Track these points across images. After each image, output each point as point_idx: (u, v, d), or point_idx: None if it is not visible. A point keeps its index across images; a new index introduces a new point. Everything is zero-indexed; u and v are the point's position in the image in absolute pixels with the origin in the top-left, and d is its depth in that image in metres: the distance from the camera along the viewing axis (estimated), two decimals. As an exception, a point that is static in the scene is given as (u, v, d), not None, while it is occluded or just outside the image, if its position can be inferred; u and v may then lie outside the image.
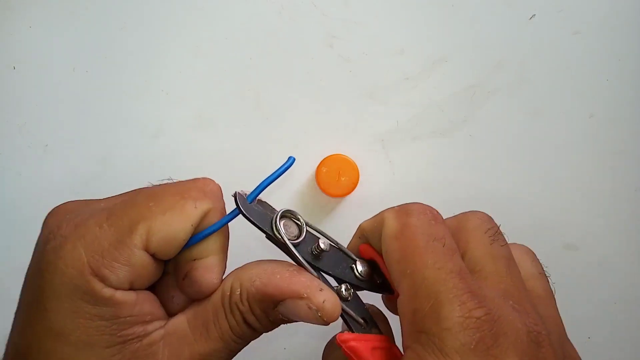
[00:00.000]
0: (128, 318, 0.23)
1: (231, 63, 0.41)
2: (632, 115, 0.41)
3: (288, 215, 0.26)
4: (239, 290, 0.24)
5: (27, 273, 0.25)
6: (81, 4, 0.40)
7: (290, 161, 0.26)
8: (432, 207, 0.26)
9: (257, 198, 0.26)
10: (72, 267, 0.22)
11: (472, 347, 0.20)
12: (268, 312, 0.24)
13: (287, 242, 0.25)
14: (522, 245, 0.28)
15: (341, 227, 0.40)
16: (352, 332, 0.25)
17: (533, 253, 0.28)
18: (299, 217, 0.26)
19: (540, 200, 0.41)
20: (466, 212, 0.27)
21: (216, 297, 0.25)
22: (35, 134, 0.40)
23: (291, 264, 0.25)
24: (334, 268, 0.26)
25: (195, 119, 0.40)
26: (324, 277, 0.26)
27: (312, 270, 0.25)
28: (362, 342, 0.24)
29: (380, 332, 0.26)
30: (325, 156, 0.39)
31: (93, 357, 0.22)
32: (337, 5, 0.41)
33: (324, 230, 0.27)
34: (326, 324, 0.24)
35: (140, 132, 0.40)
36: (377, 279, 0.27)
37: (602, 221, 0.41)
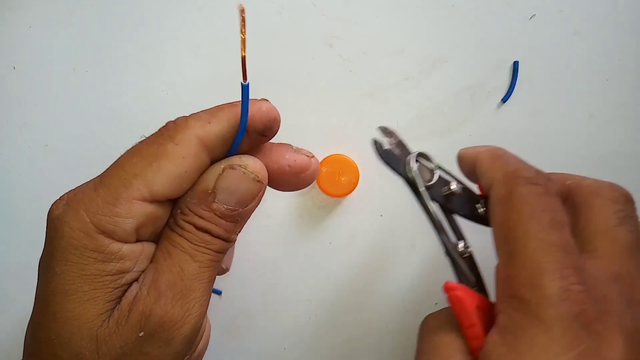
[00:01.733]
0: (129, 274, 0.24)
1: (231, 63, 0.41)
2: (632, 115, 0.41)
3: (422, 157, 0.27)
4: (178, 210, 0.25)
5: (40, 261, 0.26)
6: (81, 4, 0.40)
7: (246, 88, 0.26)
8: (546, 175, 0.25)
9: (398, 139, 0.28)
10: (77, 229, 0.23)
11: (573, 317, 0.20)
12: (211, 207, 0.24)
13: (419, 186, 0.26)
14: None
15: (341, 227, 0.40)
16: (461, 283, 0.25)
17: None
18: (432, 159, 0.27)
19: (540, 200, 0.41)
20: (602, 183, 0.26)
21: (165, 229, 0.25)
22: (35, 134, 0.40)
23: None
24: (463, 208, 0.28)
25: (195, 119, 0.40)
26: (452, 222, 0.27)
27: (435, 217, 0.26)
28: (468, 295, 0.24)
29: (487, 296, 0.26)
30: (325, 156, 0.39)
31: (93, 310, 0.23)
32: (337, 5, 0.41)
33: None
34: (260, 180, 0.25)
35: (141, 132, 0.40)
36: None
37: (602, 221, 0.41)
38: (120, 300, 0.24)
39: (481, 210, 0.27)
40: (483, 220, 0.28)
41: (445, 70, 0.41)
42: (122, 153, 0.26)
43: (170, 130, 0.26)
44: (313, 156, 0.27)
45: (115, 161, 0.26)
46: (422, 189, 0.26)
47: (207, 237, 0.25)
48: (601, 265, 0.23)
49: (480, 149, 0.28)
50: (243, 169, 0.25)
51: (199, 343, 0.30)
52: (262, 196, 0.26)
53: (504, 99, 0.41)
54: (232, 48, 0.41)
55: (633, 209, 0.25)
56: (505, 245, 0.23)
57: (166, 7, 0.40)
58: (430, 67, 0.41)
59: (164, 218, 0.26)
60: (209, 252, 0.25)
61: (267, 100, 0.26)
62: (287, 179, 0.27)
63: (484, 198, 0.28)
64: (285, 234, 0.40)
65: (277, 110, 0.26)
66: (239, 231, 0.26)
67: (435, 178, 0.27)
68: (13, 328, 0.39)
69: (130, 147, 0.27)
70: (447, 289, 0.24)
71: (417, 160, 0.27)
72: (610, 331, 0.20)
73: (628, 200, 0.26)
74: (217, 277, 0.28)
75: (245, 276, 0.40)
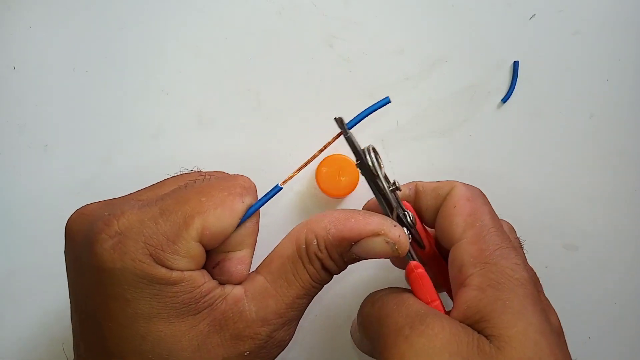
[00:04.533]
0: (205, 285, 0.25)
1: (231, 63, 0.41)
2: (632, 115, 0.41)
3: (373, 151, 0.28)
4: (315, 241, 0.26)
5: (75, 281, 0.26)
6: (81, 4, 0.40)
7: (386, 100, 0.28)
8: None
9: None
10: (140, 260, 0.24)
11: (532, 279, 0.26)
12: (344, 254, 0.27)
13: (379, 172, 0.27)
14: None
15: (341, 227, 0.40)
16: (415, 260, 0.28)
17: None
18: (380, 158, 0.28)
19: (540, 200, 0.41)
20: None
21: (290, 251, 0.27)
22: (35, 134, 0.40)
23: (358, 210, 0.28)
24: (396, 210, 0.29)
25: (195, 119, 0.40)
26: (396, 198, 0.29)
27: (393, 201, 0.28)
28: (426, 274, 0.28)
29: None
30: (325, 156, 0.39)
31: (185, 326, 0.24)
32: (337, 5, 0.41)
33: None
34: (400, 255, 0.27)
35: (140, 132, 0.40)
36: (415, 233, 0.30)
37: (602, 221, 0.41)
38: (217, 307, 0.25)
39: (410, 218, 0.29)
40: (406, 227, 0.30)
41: (445, 70, 0.41)
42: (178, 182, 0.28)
43: (243, 189, 0.27)
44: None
45: (178, 193, 0.26)
46: (382, 175, 0.27)
47: (326, 276, 0.27)
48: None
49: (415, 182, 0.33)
50: (395, 248, 0.26)
51: None
52: None
53: (504, 99, 0.41)
54: (232, 48, 0.41)
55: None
56: (474, 229, 0.28)
57: (166, 7, 0.41)
58: (430, 67, 0.41)
59: (204, 262, 0.27)
60: (320, 288, 0.28)
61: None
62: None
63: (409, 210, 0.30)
64: (285, 234, 0.40)
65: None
66: None
67: (384, 172, 0.28)
68: (13, 328, 0.39)
69: (185, 180, 0.27)
70: (414, 267, 0.28)
71: (371, 151, 0.28)
72: (547, 303, 0.30)
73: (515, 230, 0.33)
74: None
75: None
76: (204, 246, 0.25)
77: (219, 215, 0.25)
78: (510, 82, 0.41)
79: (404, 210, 0.29)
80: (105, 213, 0.25)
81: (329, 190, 0.38)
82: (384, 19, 0.41)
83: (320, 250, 0.26)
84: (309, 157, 0.28)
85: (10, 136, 0.40)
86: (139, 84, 0.40)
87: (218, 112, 0.40)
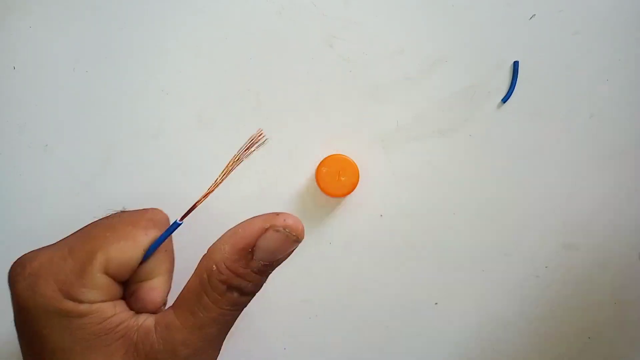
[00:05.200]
0: (115, 316, 0.26)
1: (231, 63, 0.41)
2: (632, 115, 0.41)
3: None
4: (214, 266, 0.26)
5: (14, 321, 0.28)
6: (81, 4, 0.40)
7: (175, 225, 0.28)
8: None
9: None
10: (49, 297, 0.25)
11: None
12: (250, 265, 0.26)
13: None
14: None
15: (341, 227, 0.40)
16: None
17: None
18: None
19: (541, 200, 0.41)
20: None
21: (194, 283, 0.26)
22: (35, 134, 0.40)
23: (249, 218, 0.27)
24: None
25: (195, 119, 0.40)
26: None
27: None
28: None
29: None
30: (325, 156, 0.39)
31: (100, 358, 0.25)
32: (337, 5, 0.41)
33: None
34: (299, 241, 0.27)
35: (140, 132, 0.40)
36: None
37: (602, 221, 0.41)
38: (131, 337, 0.26)
39: None
40: None
41: (445, 70, 0.41)
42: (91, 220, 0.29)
43: (149, 222, 0.28)
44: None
45: (89, 229, 0.28)
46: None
47: (234, 297, 0.26)
48: None
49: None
50: (287, 232, 0.26)
51: None
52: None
53: (504, 99, 0.41)
54: (232, 48, 0.41)
55: None
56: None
57: (166, 7, 0.40)
58: (430, 67, 0.41)
59: (120, 293, 0.28)
60: (232, 314, 0.27)
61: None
62: None
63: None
64: (285, 234, 0.40)
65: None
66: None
67: None
68: (10, 329, 0.39)
69: (105, 217, 0.29)
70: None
71: None
72: None
73: None
74: None
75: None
76: (113, 278, 0.27)
77: (122, 248, 0.26)
78: (510, 82, 0.41)
79: None
80: (28, 260, 0.27)
81: (329, 190, 0.38)
82: (384, 19, 0.41)
83: (222, 272, 0.26)
84: (207, 191, 0.28)
85: (10, 136, 0.40)
86: (139, 84, 0.40)
87: (218, 112, 0.40)
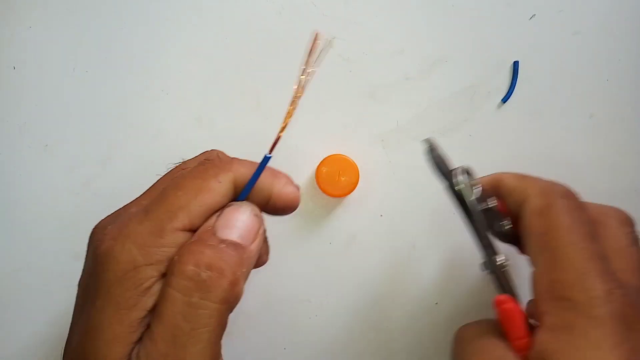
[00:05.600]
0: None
1: (231, 63, 0.41)
2: (632, 115, 0.41)
3: (466, 171, 0.27)
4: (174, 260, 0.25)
5: (79, 284, 0.26)
6: (81, 4, 0.40)
7: (266, 160, 0.28)
8: (575, 192, 0.27)
9: (441, 153, 0.28)
10: (125, 261, 0.23)
11: (619, 315, 0.22)
12: (211, 238, 0.25)
13: (467, 198, 0.26)
14: None
15: (341, 227, 0.40)
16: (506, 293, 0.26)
17: None
18: (474, 175, 0.27)
19: (540, 200, 0.41)
20: (609, 206, 0.28)
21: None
22: (35, 134, 0.40)
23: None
24: (493, 225, 0.28)
25: (195, 119, 0.40)
26: (488, 237, 0.28)
27: (478, 233, 0.27)
28: (518, 308, 0.25)
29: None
30: (325, 156, 0.39)
31: (116, 353, 0.23)
32: (337, 5, 0.41)
33: None
34: (260, 218, 0.26)
35: (140, 132, 0.40)
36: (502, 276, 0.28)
37: (602, 221, 0.41)
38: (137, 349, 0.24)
39: (507, 227, 0.28)
40: (507, 237, 0.28)
41: (445, 70, 0.41)
42: (160, 176, 0.28)
43: (215, 168, 0.27)
44: (299, 188, 0.29)
45: (160, 192, 0.26)
46: (471, 199, 0.26)
47: (207, 280, 0.23)
48: (624, 278, 0.25)
49: (498, 173, 0.30)
50: (238, 205, 0.26)
51: None
52: (263, 235, 0.27)
53: (504, 99, 0.41)
54: (232, 48, 0.41)
55: (635, 229, 0.28)
56: (547, 253, 0.24)
57: (166, 7, 0.41)
58: (430, 67, 0.41)
59: None
60: (208, 306, 0.23)
61: (297, 188, 0.28)
62: (276, 209, 0.28)
63: (507, 216, 0.28)
64: (285, 234, 0.40)
65: (299, 199, 0.28)
66: (245, 278, 0.25)
67: (478, 194, 0.27)
68: (14, 328, 0.39)
69: (172, 176, 0.28)
70: (499, 302, 0.25)
71: (463, 172, 0.27)
72: None
73: (633, 223, 0.28)
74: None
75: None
76: (193, 230, 0.25)
77: (200, 202, 0.25)
78: (510, 82, 0.41)
79: (497, 255, 0.27)
80: (108, 225, 0.26)
81: (328, 190, 0.38)
82: (384, 19, 0.41)
83: (180, 256, 0.25)
84: (284, 121, 0.28)
85: (10, 136, 0.40)
86: (139, 84, 0.40)
87: (218, 112, 0.40)
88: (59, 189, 0.40)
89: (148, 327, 0.24)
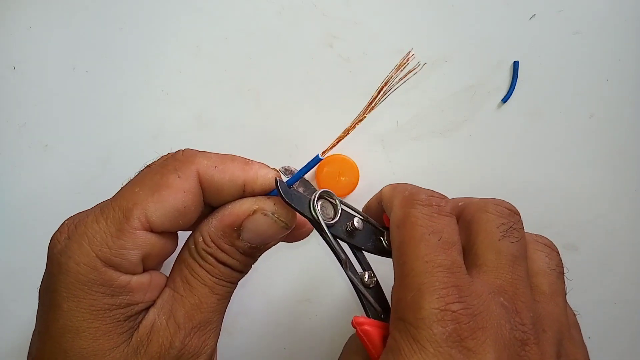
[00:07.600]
0: (139, 305, 0.24)
1: (231, 63, 0.41)
2: (632, 115, 0.41)
3: (325, 196, 0.27)
4: (200, 238, 0.25)
5: (40, 286, 0.26)
6: (81, 4, 0.40)
7: (316, 160, 0.27)
8: (440, 196, 0.25)
9: (301, 178, 0.27)
10: (83, 263, 0.23)
11: (445, 337, 0.21)
12: (234, 243, 0.25)
13: (322, 223, 0.25)
14: (544, 237, 0.28)
15: (341, 227, 0.40)
16: (369, 317, 0.26)
17: (551, 248, 0.28)
18: (335, 198, 0.27)
19: (540, 200, 0.41)
20: (487, 200, 0.27)
21: (185, 254, 0.26)
22: (35, 134, 0.40)
23: (239, 200, 0.26)
24: (366, 242, 0.28)
25: (195, 119, 0.40)
26: (357, 254, 0.28)
27: (340, 253, 0.26)
28: (375, 328, 0.24)
29: None
30: (325, 156, 0.39)
31: (107, 345, 0.23)
32: (337, 5, 0.41)
33: (357, 208, 0.28)
34: (288, 228, 0.25)
35: (140, 132, 0.40)
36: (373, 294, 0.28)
37: (602, 221, 0.41)
38: (137, 328, 0.24)
39: (385, 242, 0.28)
40: (388, 252, 0.28)
41: (445, 70, 0.41)
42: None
43: (176, 162, 0.26)
44: None
45: (118, 190, 0.26)
46: (324, 225, 0.25)
47: (227, 271, 0.25)
48: (487, 279, 0.23)
49: (384, 187, 0.29)
50: (275, 217, 0.25)
51: None
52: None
53: (504, 99, 0.41)
54: (232, 48, 0.41)
55: (517, 220, 0.26)
56: (398, 268, 0.23)
57: (166, 7, 0.40)
58: (430, 67, 0.41)
59: (170, 248, 0.26)
60: (227, 285, 0.26)
61: (276, 170, 0.27)
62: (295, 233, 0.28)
63: (388, 230, 0.28)
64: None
65: (276, 182, 0.26)
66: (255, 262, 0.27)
67: (338, 215, 0.26)
68: (13, 328, 0.39)
69: (135, 175, 0.27)
70: (356, 324, 0.25)
71: (319, 198, 0.26)
72: (482, 346, 0.21)
73: (512, 213, 0.27)
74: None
75: (245, 276, 0.40)
76: (163, 230, 0.24)
77: (158, 199, 0.24)
78: (510, 82, 0.41)
79: (364, 270, 0.27)
80: (66, 224, 0.25)
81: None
82: (384, 19, 0.41)
83: (207, 245, 0.25)
84: (349, 126, 0.27)
85: (10, 136, 0.40)
86: (139, 84, 0.40)
87: (218, 112, 0.40)
88: (59, 189, 0.40)
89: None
